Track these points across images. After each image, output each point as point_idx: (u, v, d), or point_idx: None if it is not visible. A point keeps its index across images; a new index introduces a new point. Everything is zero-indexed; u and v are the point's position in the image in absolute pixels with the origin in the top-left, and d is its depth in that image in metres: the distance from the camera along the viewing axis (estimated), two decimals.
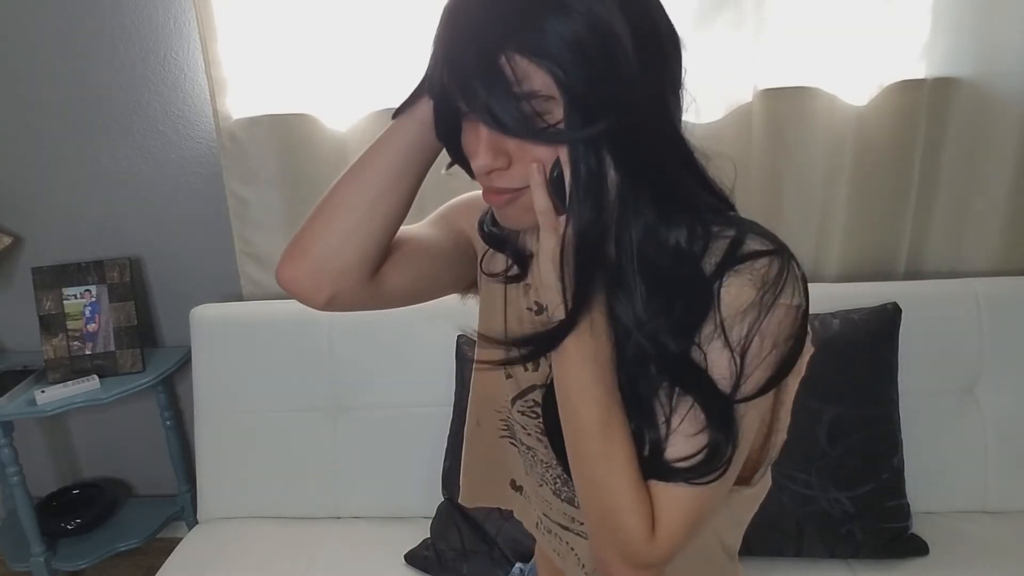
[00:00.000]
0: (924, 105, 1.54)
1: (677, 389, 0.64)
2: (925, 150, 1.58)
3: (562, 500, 0.80)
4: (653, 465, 0.65)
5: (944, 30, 1.51)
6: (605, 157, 0.59)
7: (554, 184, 0.61)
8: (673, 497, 0.64)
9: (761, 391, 0.63)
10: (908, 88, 1.53)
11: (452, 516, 1.48)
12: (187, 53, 1.75)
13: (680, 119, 0.66)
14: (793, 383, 0.69)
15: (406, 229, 0.77)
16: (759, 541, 1.37)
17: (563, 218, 0.62)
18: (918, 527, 1.42)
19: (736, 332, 0.62)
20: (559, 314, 0.63)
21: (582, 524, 0.79)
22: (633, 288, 0.62)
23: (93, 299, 1.85)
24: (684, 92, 0.66)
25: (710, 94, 1.57)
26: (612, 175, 0.60)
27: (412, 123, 0.69)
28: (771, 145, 1.59)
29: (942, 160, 1.60)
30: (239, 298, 1.81)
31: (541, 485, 0.82)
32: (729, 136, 1.59)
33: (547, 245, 0.62)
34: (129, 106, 1.80)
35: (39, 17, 1.75)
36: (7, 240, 1.88)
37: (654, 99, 0.61)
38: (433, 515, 1.53)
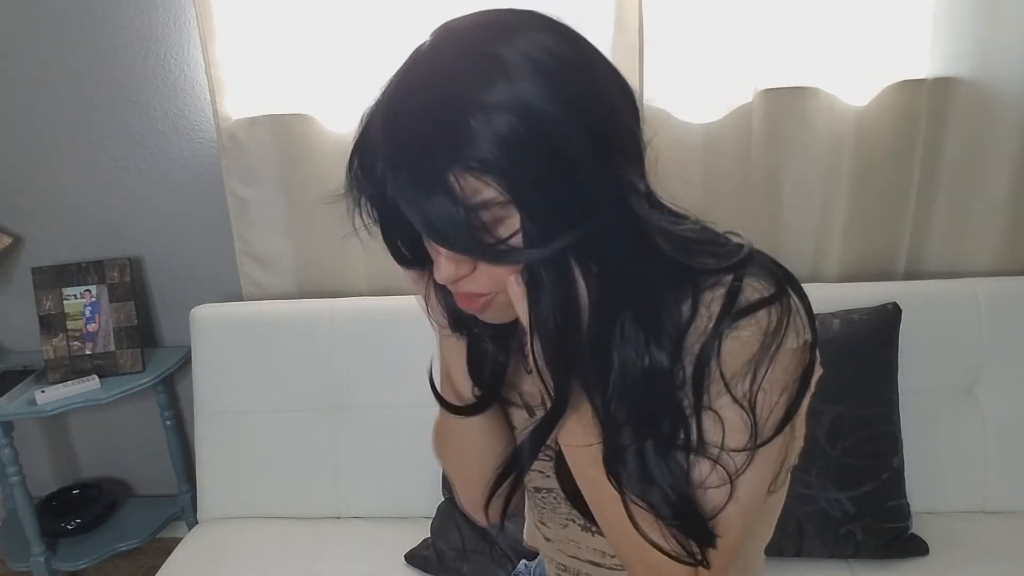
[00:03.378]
0: (924, 105, 1.54)
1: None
2: (925, 150, 1.57)
3: (593, 534, 0.78)
4: (688, 524, 0.64)
5: (944, 30, 1.51)
6: (570, 266, 0.57)
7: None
8: None
9: (777, 431, 0.63)
10: (908, 88, 1.53)
11: (452, 516, 1.48)
12: (187, 53, 1.75)
13: (643, 185, 0.61)
14: (806, 399, 0.70)
15: None
16: None
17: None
18: (918, 527, 1.42)
19: (741, 387, 0.61)
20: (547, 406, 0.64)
21: (613, 556, 0.78)
22: (606, 391, 0.62)
23: (93, 299, 1.85)
24: (645, 150, 0.61)
25: (710, 94, 1.57)
26: (581, 284, 0.58)
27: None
28: (771, 145, 1.59)
29: (942, 160, 1.60)
30: (239, 298, 1.81)
31: (566, 526, 0.81)
32: (729, 136, 1.58)
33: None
34: (129, 106, 1.80)
35: (39, 17, 1.75)
36: (7, 240, 1.88)
37: (612, 182, 0.57)
38: (433, 515, 1.53)
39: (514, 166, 0.52)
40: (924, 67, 1.54)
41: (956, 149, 1.59)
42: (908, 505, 1.41)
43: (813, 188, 1.62)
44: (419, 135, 0.54)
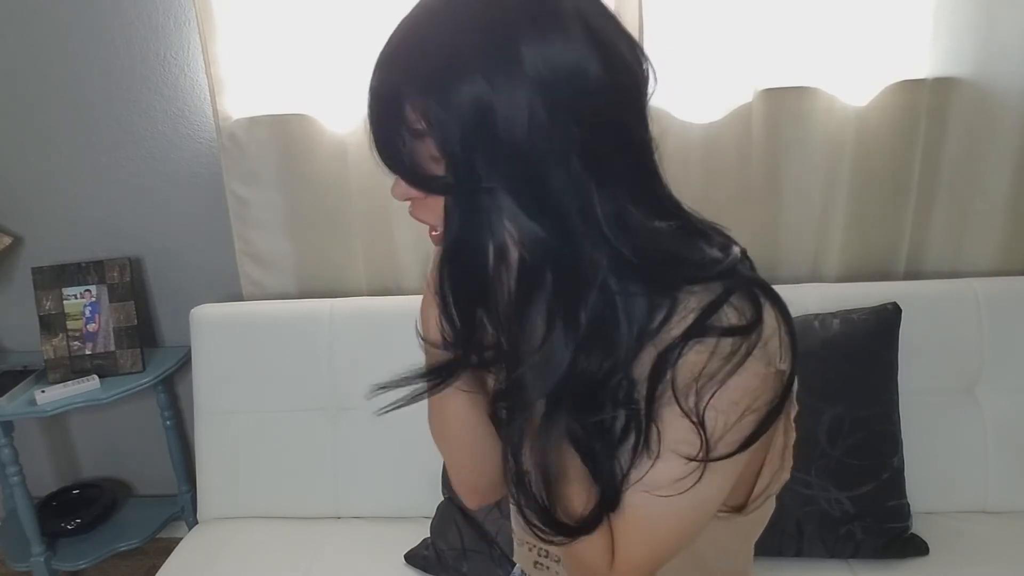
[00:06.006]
0: (924, 105, 1.54)
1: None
2: (925, 150, 1.58)
3: None
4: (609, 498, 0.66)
5: (944, 30, 1.51)
6: (489, 219, 0.57)
7: None
8: (621, 528, 0.66)
9: (739, 449, 0.62)
10: (908, 88, 1.53)
11: (452, 515, 1.48)
12: (187, 53, 1.75)
13: (650, 172, 0.62)
14: (782, 437, 0.71)
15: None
16: (759, 541, 1.37)
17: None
18: (918, 527, 1.42)
19: (690, 400, 0.60)
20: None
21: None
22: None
23: (93, 299, 1.85)
24: (656, 149, 0.62)
25: (710, 94, 1.57)
26: (509, 240, 0.58)
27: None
28: (771, 145, 1.59)
29: (942, 160, 1.60)
30: (239, 298, 1.81)
31: None
32: (729, 136, 1.58)
33: None
34: (129, 106, 1.80)
35: (38, 17, 1.75)
36: (7, 240, 1.88)
37: (568, 178, 0.56)
38: (433, 515, 1.53)
39: (459, 132, 0.55)
40: (924, 67, 1.54)
41: (956, 149, 1.59)
42: (908, 505, 1.41)
43: (813, 188, 1.62)
44: (400, 57, 0.59)
